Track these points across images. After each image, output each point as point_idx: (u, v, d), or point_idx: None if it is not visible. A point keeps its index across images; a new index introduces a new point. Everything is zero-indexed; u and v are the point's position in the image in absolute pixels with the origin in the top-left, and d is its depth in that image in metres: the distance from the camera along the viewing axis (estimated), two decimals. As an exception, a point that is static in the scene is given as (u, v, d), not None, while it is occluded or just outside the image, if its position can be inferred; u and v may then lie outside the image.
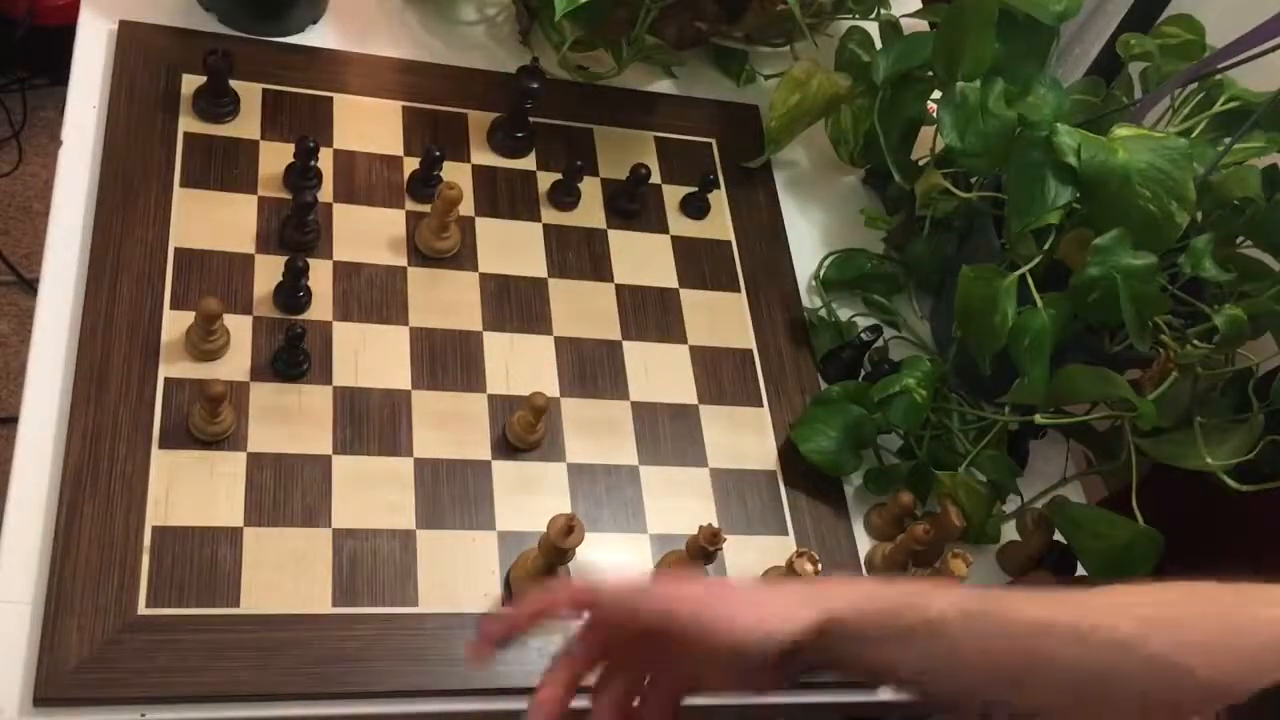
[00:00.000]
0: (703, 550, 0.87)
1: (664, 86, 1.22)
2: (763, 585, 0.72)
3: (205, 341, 0.89)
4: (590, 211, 1.09)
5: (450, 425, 0.93)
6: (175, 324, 0.90)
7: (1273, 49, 0.97)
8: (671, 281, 1.08)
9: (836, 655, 0.64)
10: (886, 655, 0.63)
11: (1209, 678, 0.61)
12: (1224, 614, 0.63)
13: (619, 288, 1.06)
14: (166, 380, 0.88)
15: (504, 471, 0.93)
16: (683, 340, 1.05)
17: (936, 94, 1.07)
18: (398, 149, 1.06)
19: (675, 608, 0.64)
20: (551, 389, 0.98)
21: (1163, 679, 0.62)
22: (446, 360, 0.96)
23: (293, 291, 0.93)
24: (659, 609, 0.64)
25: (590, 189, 1.10)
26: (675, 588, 0.66)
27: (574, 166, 1.07)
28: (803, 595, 0.64)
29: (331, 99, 1.06)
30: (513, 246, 1.05)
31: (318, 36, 1.11)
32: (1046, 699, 0.64)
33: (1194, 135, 1.05)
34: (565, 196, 1.08)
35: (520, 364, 0.98)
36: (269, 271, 0.94)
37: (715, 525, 0.87)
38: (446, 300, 0.99)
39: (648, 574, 0.76)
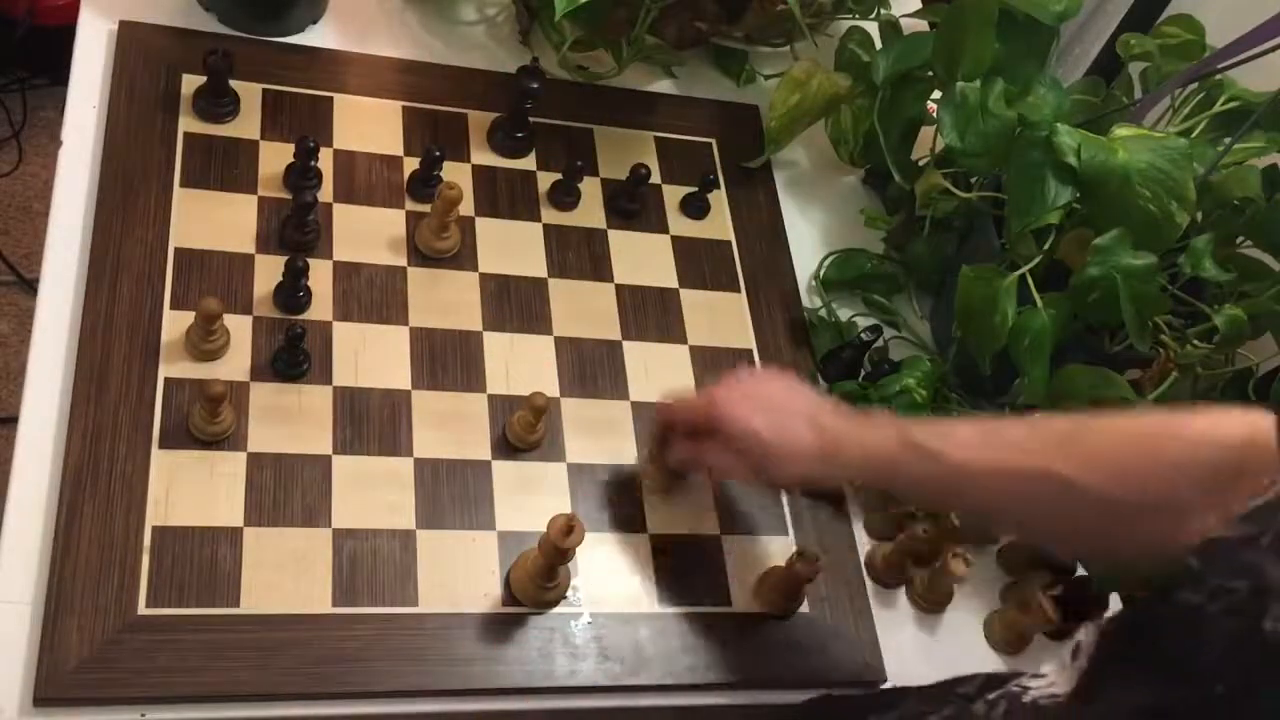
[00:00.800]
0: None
1: (664, 86, 1.22)
2: (795, 427, 0.83)
3: (205, 341, 0.89)
4: (590, 211, 1.09)
5: (450, 425, 0.93)
6: (175, 324, 0.90)
7: (1273, 49, 0.97)
8: (671, 281, 1.08)
9: None
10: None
11: (1110, 492, 0.70)
12: (1134, 442, 0.72)
13: (619, 288, 1.06)
14: (166, 380, 0.88)
15: (504, 471, 0.93)
16: (683, 340, 1.05)
17: (936, 94, 1.07)
18: (398, 149, 1.06)
19: (739, 439, 0.84)
20: (551, 389, 0.98)
21: (1089, 501, 0.72)
22: (446, 360, 0.96)
23: (293, 291, 0.93)
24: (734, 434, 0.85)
25: (590, 189, 1.10)
26: (740, 421, 0.84)
27: (574, 166, 1.07)
28: (823, 456, 0.82)
29: (331, 99, 1.06)
30: (513, 246, 1.05)
31: (318, 36, 1.11)
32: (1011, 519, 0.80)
33: (1194, 135, 1.05)
34: (565, 196, 1.08)
35: (520, 364, 0.98)
36: (269, 271, 0.94)
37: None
38: (446, 300, 0.99)
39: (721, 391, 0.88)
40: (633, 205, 1.10)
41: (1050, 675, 0.59)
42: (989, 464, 0.76)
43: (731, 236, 1.12)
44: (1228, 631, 0.46)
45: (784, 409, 0.85)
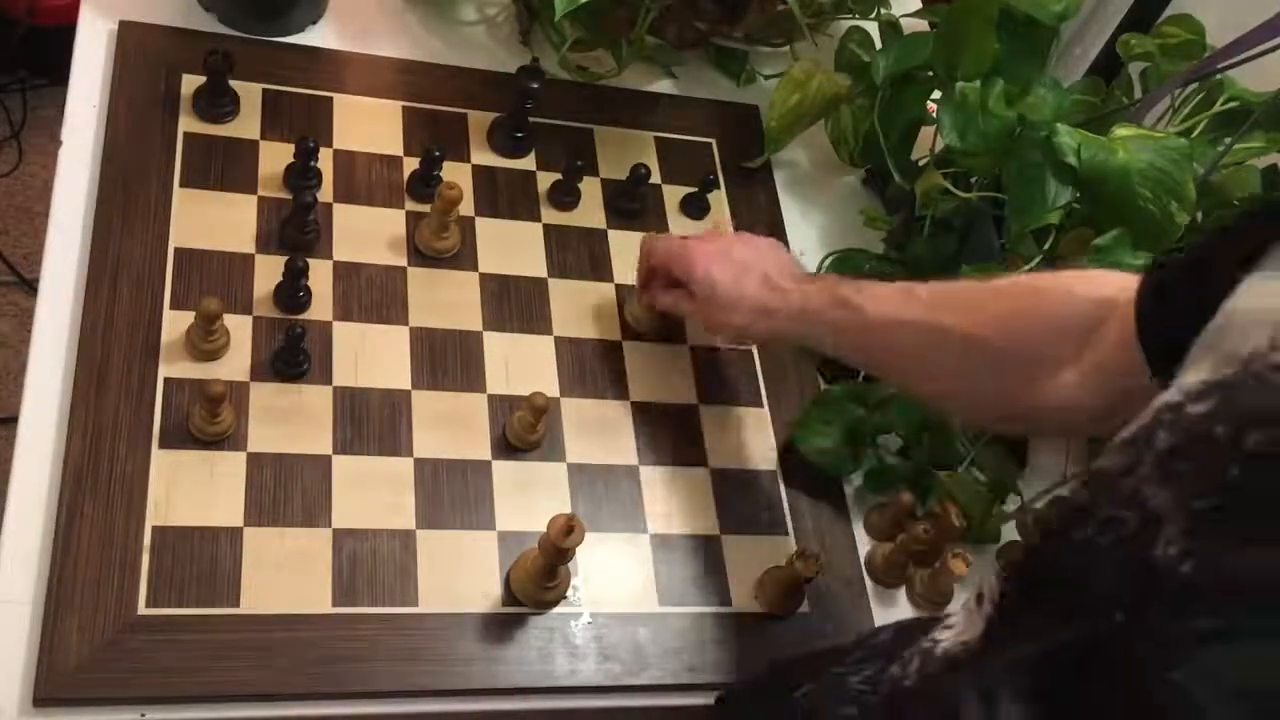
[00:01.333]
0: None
1: (664, 86, 1.22)
2: (748, 282, 0.91)
3: (205, 341, 0.89)
4: (590, 211, 1.09)
5: (450, 425, 0.93)
6: (175, 324, 0.90)
7: (1273, 49, 0.97)
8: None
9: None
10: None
11: (994, 342, 0.76)
12: (1018, 297, 0.78)
13: (619, 288, 1.06)
14: (166, 380, 0.88)
15: (504, 471, 0.93)
16: (683, 340, 1.05)
17: (936, 94, 1.07)
18: (398, 149, 1.06)
19: (697, 284, 0.93)
20: (551, 389, 0.98)
21: (970, 349, 0.78)
22: (446, 360, 0.96)
23: (293, 291, 0.93)
24: (692, 280, 0.94)
25: (590, 189, 1.10)
26: (701, 268, 0.93)
27: (574, 166, 1.07)
28: (764, 310, 0.90)
29: (331, 99, 1.06)
30: (513, 246, 1.05)
31: (318, 36, 1.11)
32: (903, 369, 0.86)
33: (1194, 135, 1.05)
34: (565, 196, 1.08)
35: (520, 364, 0.98)
36: (269, 271, 0.94)
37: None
38: (446, 300, 0.99)
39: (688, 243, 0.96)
40: (633, 205, 1.10)
41: (958, 624, 0.59)
42: (897, 318, 0.82)
43: (731, 236, 1.12)
44: (1120, 561, 0.46)
45: (743, 264, 0.92)
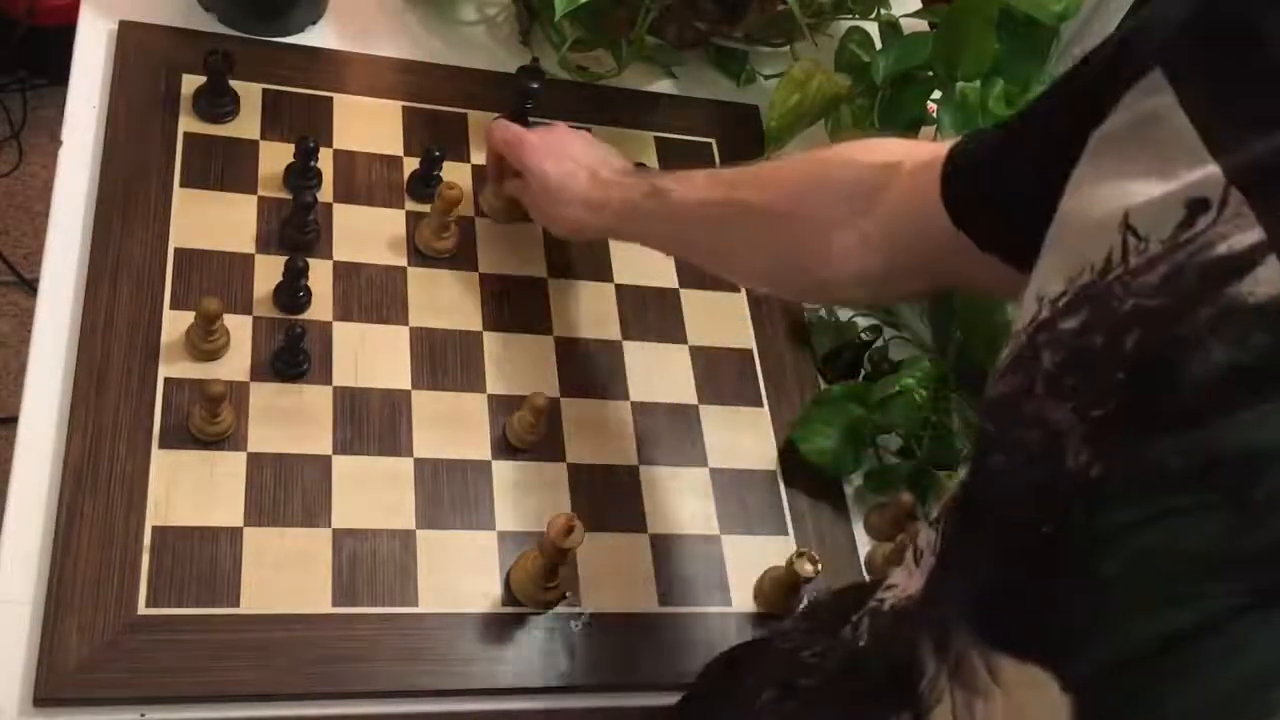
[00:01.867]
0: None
1: (664, 86, 1.22)
2: (577, 175, 0.93)
3: (205, 341, 0.89)
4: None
5: (450, 425, 0.93)
6: (175, 324, 0.90)
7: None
8: (671, 281, 1.08)
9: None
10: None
11: (774, 206, 0.81)
12: (811, 168, 0.82)
13: (619, 288, 1.06)
14: (166, 380, 0.88)
15: (504, 471, 0.93)
16: (683, 340, 1.05)
17: (936, 94, 1.07)
18: (398, 149, 1.06)
19: (531, 176, 0.96)
20: (551, 389, 0.98)
21: (762, 220, 0.82)
22: (446, 360, 0.96)
23: (293, 291, 0.93)
24: (525, 170, 0.96)
25: (590, 189, 1.10)
26: (533, 162, 0.95)
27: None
28: (590, 204, 0.92)
29: (331, 99, 1.06)
30: (513, 246, 1.05)
31: (318, 36, 1.11)
32: (705, 248, 0.90)
33: (1194, 135, 1.05)
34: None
35: (520, 364, 0.98)
36: (269, 271, 0.94)
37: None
38: (446, 300, 0.99)
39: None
40: (633, 205, 1.10)
41: (900, 582, 0.60)
42: (701, 198, 0.85)
43: (731, 236, 1.12)
44: (1036, 481, 0.47)
45: (574, 159, 0.94)
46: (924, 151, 0.72)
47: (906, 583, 0.59)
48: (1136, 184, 0.47)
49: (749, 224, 0.82)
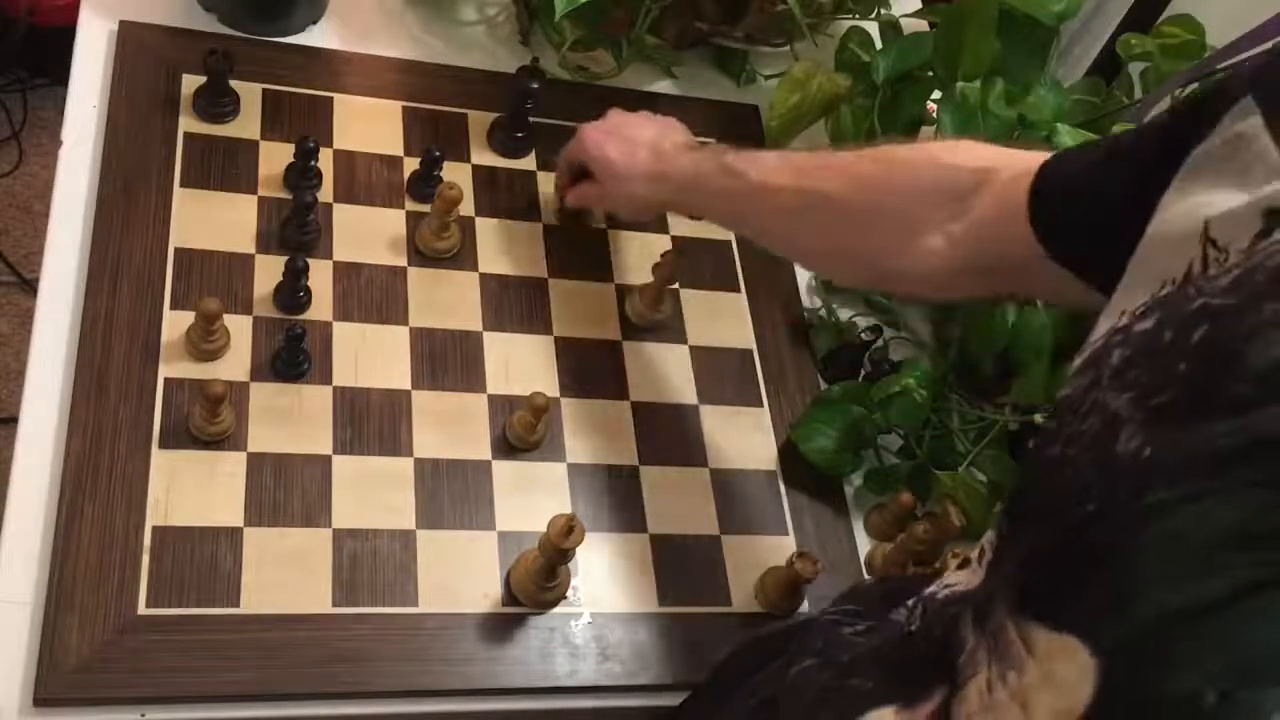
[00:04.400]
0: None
1: (664, 86, 1.22)
2: (638, 153, 0.95)
3: (205, 341, 0.89)
4: (591, 211, 1.09)
5: (450, 425, 0.93)
6: (175, 324, 0.90)
7: (1272, 49, 0.97)
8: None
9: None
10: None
11: (854, 200, 0.81)
12: (886, 160, 0.82)
13: (619, 288, 1.06)
14: (166, 380, 0.88)
15: (504, 471, 0.93)
16: (683, 340, 1.05)
17: (936, 94, 1.07)
18: (398, 149, 1.06)
19: (595, 164, 0.98)
20: (551, 389, 0.98)
21: (838, 208, 0.82)
22: (446, 360, 0.96)
23: (293, 291, 0.93)
24: (589, 159, 0.99)
25: (590, 189, 1.10)
26: (595, 148, 0.98)
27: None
28: (652, 176, 0.94)
29: (331, 99, 1.06)
30: (513, 246, 1.05)
31: (318, 36, 1.11)
32: (777, 230, 0.89)
33: (1194, 135, 1.05)
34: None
35: (520, 364, 0.98)
36: (269, 271, 0.94)
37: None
38: (446, 300, 0.99)
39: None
40: (633, 205, 1.10)
41: (961, 580, 0.62)
42: (775, 183, 0.85)
43: (731, 236, 1.12)
44: (1087, 464, 0.49)
45: (634, 139, 0.96)
46: (1019, 162, 0.73)
47: (969, 580, 0.60)
48: (1218, 196, 0.50)
49: (825, 214, 0.83)
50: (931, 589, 0.64)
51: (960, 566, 0.64)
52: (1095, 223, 0.64)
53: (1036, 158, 0.71)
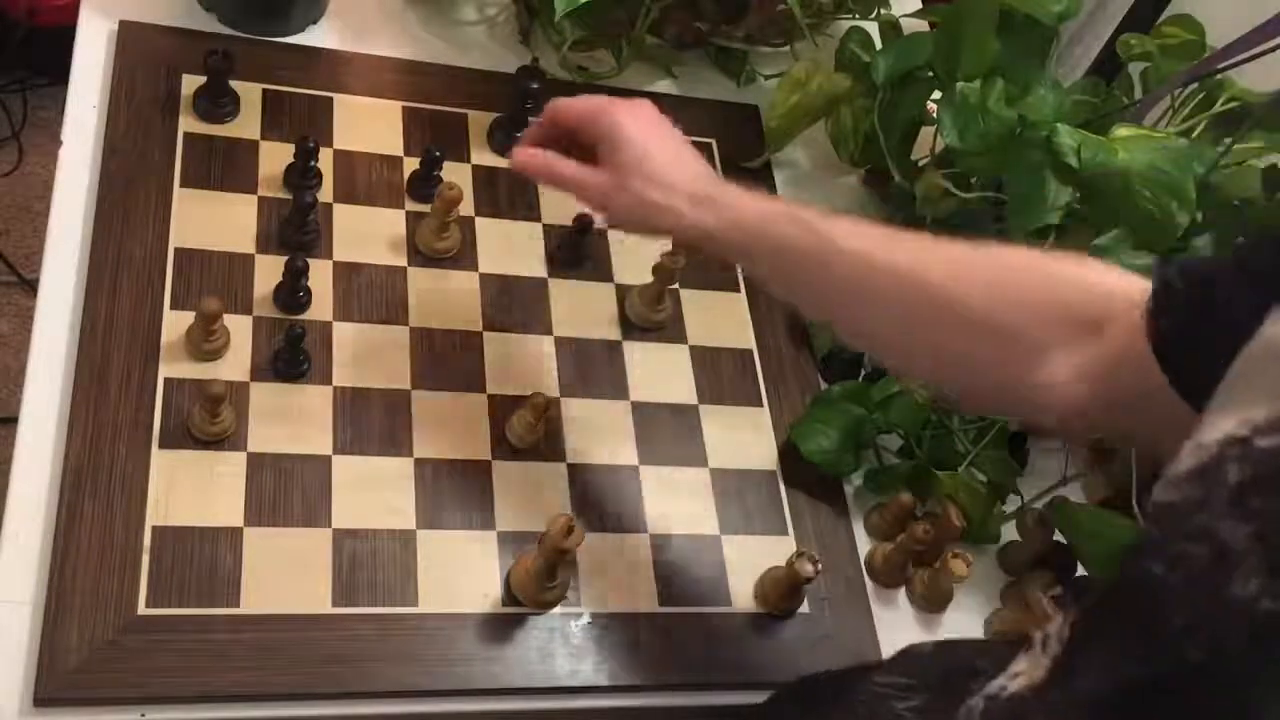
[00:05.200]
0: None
1: (664, 86, 1.22)
2: (685, 159, 0.81)
3: (205, 341, 0.89)
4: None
5: (450, 425, 0.93)
6: (175, 324, 0.90)
7: (1273, 49, 0.97)
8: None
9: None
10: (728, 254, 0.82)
11: (973, 304, 0.70)
12: (1020, 272, 0.72)
13: (619, 288, 1.06)
14: (166, 380, 0.88)
15: (504, 471, 0.93)
16: (683, 340, 1.05)
17: (936, 94, 1.07)
18: (398, 149, 1.06)
19: (624, 148, 0.80)
20: (551, 389, 0.98)
21: (950, 314, 0.71)
22: (446, 360, 0.96)
23: (293, 291, 0.93)
24: (617, 141, 0.80)
25: (590, 189, 1.10)
26: (632, 131, 0.80)
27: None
28: (696, 197, 0.78)
29: (331, 99, 1.06)
30: (513, 246, 1.05)
31: (318, 36, 1.11)
32: (863, 317, 0.76)
33: (1194, 135, 1.05)
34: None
35: (520, 364, 0.98)
36: (269, 271, 0.94)
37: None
38: (446, 300, 0.99)
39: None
40: (633, 205, 1.10)
41: (1024, 670, 0.58)
42: (872, 257, 0.73)
43: (731, 236, 1.12)
44: (1194, 600, 0.45)
45: (681, 143, 0.83)
46: (1135, 287, 0.66)
47: (1031, 670, 0.56)
48: None
49: (925, 306, 0.71)
50: (996, 685, 0.59)
51: (1014, 643, 0.59)
52: (1214, 335, 0.57)
53: (1147, 283, 0.66)
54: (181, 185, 0.97)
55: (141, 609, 0.79)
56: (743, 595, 0.93)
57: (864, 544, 0.99)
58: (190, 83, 1.01)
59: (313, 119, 1.05)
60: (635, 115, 0.82)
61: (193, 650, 0.79)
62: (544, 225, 1.07)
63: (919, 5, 1.36)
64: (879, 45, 1.17)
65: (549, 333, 1.01)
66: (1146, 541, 0.50)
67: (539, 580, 0.85)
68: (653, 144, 0.80)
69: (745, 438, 1.01)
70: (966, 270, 0.72)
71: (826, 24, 1.24)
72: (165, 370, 0.88)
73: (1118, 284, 0.69)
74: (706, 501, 0.97)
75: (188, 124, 1.00)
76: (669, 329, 1.04)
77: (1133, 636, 0.48)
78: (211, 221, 0.96)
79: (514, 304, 1.01)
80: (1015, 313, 0.70)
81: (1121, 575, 0.52)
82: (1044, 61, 1.07)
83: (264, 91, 1.04)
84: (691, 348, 1.05)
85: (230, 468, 0.86)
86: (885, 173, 1.13)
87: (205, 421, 0.85)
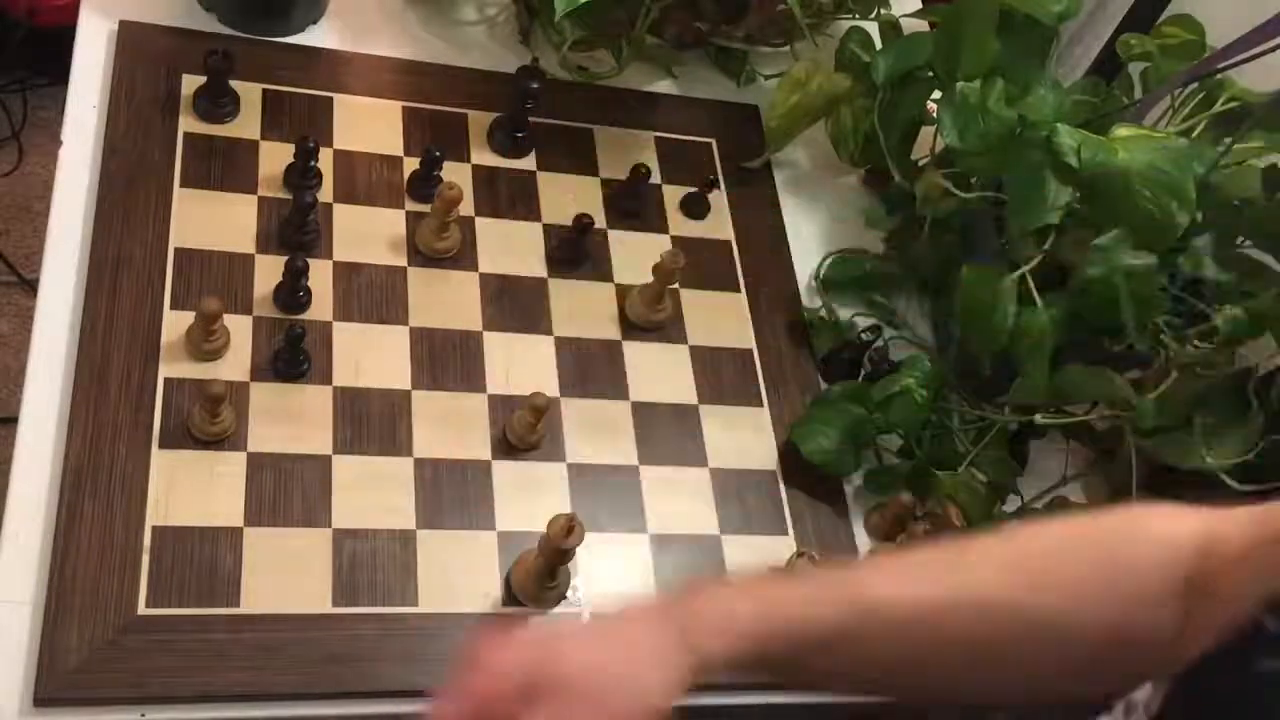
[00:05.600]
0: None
1: (664, 86, 1.22)
2: (626, 640, 0.61)
3: (205, 341, 0.89)
4: (591, 211, 1.09)
5: (450, 425, 0.93)
6: (175, 324, 0.90)
7: (1273, 49, 0.97)
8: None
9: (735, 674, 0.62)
10: (783, 671, 0.63)
11: (1093, 618, 0.59)
12: (1097, 553, 0.62)
13: (619, 288, 1.06)
14: (166, 380, 0.88)
15: (504, 471, 0.93)
16: (683, 340, 1.05)
17: (936, 94, 1.07)
18: (398, 149, 1.06)
19: (575, 678, 0.59)
20: (551, 389, 0.98)
21: (1047, 632, 0.60)
22: (446, 360, 0.96)
23: (293, 291, 0.93)
24: (558, 672, 0.59)
25: (590, 189, 1.10)
26: (567, 661, 0.59)
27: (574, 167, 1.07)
28: (676, 652, 0.61)
29: (331, 99, 1.06)
30: (513, 246, 1.05)
31: (318, 36, 1.11)
32: (948, 673, 0.62)
33: (1194, 135, 1.05)
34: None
35: (520, 364, 0.98)
36: (269, 271, 0.94)
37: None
38: (446, 300, 0.99)
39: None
40: (633, 205, 1.10)
41: None
42: (939, 600, 0.60)
43: (731, 236, 1.12)
44: None
45: (622, 632, 0.62)
46: (1227, 524, 0.60)
47: None
48: None
49: (1024, 632, 0.60)
50: None
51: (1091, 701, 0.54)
52: None
53: (1233, 514, 0.60)
54: (181, 185, 0.97)
55: (141, 609, 0.79)
56: (743, 595, 0.93)
57: (864, 544, 0.99)
58: (190, 83, 1.01)
59: (313, 119, 1.05)
60: (570, 639, 0.63)
61: (193, 650, 0.79)
62: (544, 225, 1.07)
63: (919, 5, 1.36)
64: (879, 45, 1.17)
65: (549, 333, 1.01)
66: (1259, 634, 0.47)
67: (539, 580, 0.85)
68: (593, 653, 0.61)
69: (745, 438, 1.01)
70: (1041, 571, 0.62)
71: (826, 24, 1.24)
72: (165, 370, 0.88)
73: (1198, 523, 0.61)
74: (706, 501, 0.97)
75: (188, 124, 1.00)
76: (669, 329, 1.04)
77: None
78: (211, 221, 0.96)
79: (514, 304, 1.01)
80: (1106, 595, 0.60)
81: (1232, 665, 0.48)
82: (1044, 61, 1.07)
83: (264, 91, 1.04)
84: (691, 348, 1.05)
85: (230, 468, 0.86)
86: (885, 173, 1.13)
87: (205, 421, 0.85)
